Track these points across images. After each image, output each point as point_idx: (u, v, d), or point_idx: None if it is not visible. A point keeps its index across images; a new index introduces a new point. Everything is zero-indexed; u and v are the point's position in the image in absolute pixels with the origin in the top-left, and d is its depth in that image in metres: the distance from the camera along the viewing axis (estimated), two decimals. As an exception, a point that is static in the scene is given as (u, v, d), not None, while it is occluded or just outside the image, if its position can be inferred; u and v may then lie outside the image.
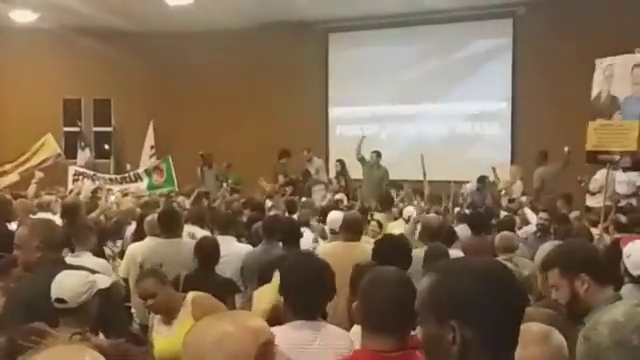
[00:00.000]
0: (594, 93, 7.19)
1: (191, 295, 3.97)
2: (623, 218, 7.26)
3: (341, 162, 13.17)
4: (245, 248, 5.97)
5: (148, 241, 5.89)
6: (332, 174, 13.60)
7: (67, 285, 3.27)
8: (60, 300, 3.23)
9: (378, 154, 12.69)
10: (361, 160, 12.63)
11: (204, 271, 4.95)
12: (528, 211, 8.79)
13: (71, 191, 9.75)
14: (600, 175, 10.28)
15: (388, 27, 15.01)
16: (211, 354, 1.55)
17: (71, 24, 14.86)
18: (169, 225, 5.68)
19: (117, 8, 13.76)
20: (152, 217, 6.09)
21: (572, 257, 2.78)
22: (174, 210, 6.52)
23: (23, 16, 14.53)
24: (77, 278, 3.33)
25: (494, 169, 11.52)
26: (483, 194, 11.13)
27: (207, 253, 4.99)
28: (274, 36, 14.92)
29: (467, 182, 11.22)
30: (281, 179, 10.72)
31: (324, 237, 6.99)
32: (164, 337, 3.91)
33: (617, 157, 6.93)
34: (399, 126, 15.06)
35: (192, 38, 15.28)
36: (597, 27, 12.04)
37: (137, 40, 15.47)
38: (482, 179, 11.22)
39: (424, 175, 9.56)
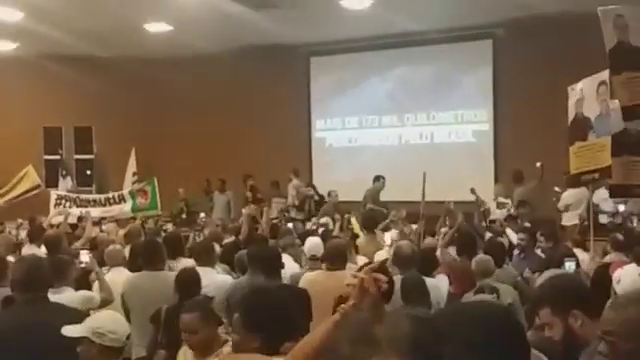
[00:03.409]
0: (570, 118, 7.34)
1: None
2: (620, 237, 7.25)
3: (312, 186, 13.65)
4: (224, 278, 5.83)
5: (126, 273, 5.81)
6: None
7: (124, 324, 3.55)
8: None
9: (383, 177, 12.59)
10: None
11: (185, 303, 4.85)
12: (509, 231, 8.69)
13: (51, 225, 9.53)
14: (567, 194, 10.33)
15: (370, 50, 15.05)
16: None
17: (51, 52, 14.79)
18: (152, 257, 5.60)
19: (97, 35, 13.70)
20: (113, 247, 6.30)
21: (563, 294, 2.77)
22: (156, 241, 6.41)
23: (2, 45, 14.46)
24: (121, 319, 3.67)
25: (473, 190, 11.26)
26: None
27: (188, 285, 4.88)
28: (255, 60, 14.91)
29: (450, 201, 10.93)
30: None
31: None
32: None
33: (596, 175, 7.03)
34: (382, 148, 15.05)
35: (173, 64, 15.24)
36: (576, 48, 11.97)
37: (117, 67, 15.40)
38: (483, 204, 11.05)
39: (423, 196, 9.32)
